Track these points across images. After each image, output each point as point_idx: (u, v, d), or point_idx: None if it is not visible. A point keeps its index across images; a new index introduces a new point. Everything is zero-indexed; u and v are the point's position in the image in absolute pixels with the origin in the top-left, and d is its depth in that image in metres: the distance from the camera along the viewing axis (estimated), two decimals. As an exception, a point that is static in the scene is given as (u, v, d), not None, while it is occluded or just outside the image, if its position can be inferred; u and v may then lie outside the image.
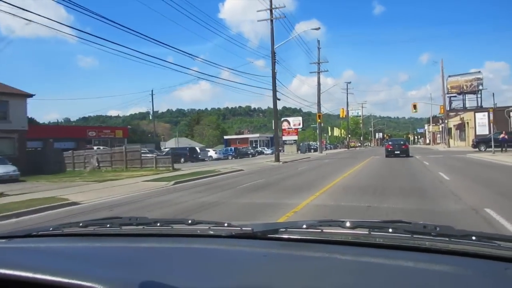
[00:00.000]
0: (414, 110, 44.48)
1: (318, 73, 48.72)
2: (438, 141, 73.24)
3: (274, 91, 30.30)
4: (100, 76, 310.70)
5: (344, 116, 47.65)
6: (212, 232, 1.43)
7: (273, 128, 32.03)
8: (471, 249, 1.06)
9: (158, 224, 1.58)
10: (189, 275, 1.05)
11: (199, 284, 0.99)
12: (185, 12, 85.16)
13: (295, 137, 53.77)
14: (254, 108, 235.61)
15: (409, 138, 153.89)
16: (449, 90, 66.24)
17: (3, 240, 1.54)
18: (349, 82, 54.92)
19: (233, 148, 55.29)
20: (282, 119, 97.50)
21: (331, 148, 76.97)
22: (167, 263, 1.17)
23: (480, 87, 62.44)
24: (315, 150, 64.44)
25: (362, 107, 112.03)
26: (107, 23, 19.45)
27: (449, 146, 44.46)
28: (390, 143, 32.75)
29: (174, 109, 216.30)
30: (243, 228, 1.36)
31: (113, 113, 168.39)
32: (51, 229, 1.68)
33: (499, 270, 0.97)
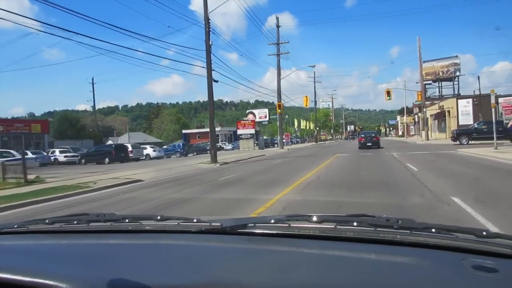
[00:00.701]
0: (388, 98, 38.03)
1: (278, 55, 41.46)
2: (412, 133, 67.60)
3: (209, 68, 22.80)
4: (67, 69, 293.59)
5: (307, 106, 40.44)
6: (181, 228, 1.41)
7: (209, 119, 24.53)
8: (431, 241, 1.09)
9: (127, 221, 1.53)
10: (157, 271, 1.03)
11: (167, 280, 0.98)
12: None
13: (252, 131, 46.23)
14: (227, 102, 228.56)
15: (381, 130, 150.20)
16: (424, 77, 60.51)
17: None
18: (313, 66, 46.03)
19: (181, 144, 47.44)
20: (248, 111, 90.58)
21: (297, 142, 70.08)
22: (136, 260, 1.16)
23: (458, 73, 56.83)
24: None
25: (332, 98, 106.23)
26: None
27: (427, 139, 38.10)
28: (362, 135, 33.98)
29: (144, 103, 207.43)
30: (212, 224, 1.36)
31: (81, 107, 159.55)
32: (15, 226, 1.64)
33: (456, 260, 1.01)
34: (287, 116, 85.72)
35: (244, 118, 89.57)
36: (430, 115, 49.40)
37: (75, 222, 1.59)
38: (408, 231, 1.17)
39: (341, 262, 1.08)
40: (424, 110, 37.44)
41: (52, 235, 1.52)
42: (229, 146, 64.67)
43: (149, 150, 38.34)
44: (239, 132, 46.45)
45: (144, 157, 36.74)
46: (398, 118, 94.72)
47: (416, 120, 55.84)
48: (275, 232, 1.30)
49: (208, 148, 62.09)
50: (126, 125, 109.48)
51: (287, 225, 1.32)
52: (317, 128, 72.68)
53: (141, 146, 37.64)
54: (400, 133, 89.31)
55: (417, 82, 63.82)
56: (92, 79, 54.60)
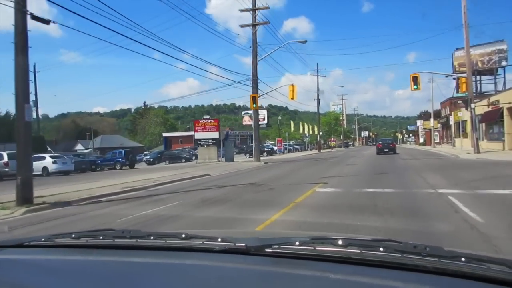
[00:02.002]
0: (415, 87, 24.58)
1: (254, 26, 28.35)
2: (437, 141, 53.44)
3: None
4: (87, 72, 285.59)
5: (294, 98, 27.14)
6: (205, 247, 1.40)
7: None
8: (460, 270, 1.05)
9: (152, 238, 1.53)
10: None
11: None
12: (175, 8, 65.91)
13: (215, 135, 32.53)
14: (239, 106, 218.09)
15: (397, 137, 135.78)
16: (456, 69, 46.72)
17: None
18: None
19: (122, 151, 34.45)
20: (243, 112, 77.33)
21: (294, 150, 56.42)
22: (160, 279, 1.16)
23: (504, 63, 42.78)
24: (269, 153, 44.15)
25: (343, 99, 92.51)
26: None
27: (477, 150, 24.04)
28: (380, 142, 36.48)
29: (156, 106, 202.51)
30: (236, 244, 1.34)
31: (99, 109, 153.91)
32: (43, 239, 1.63)
33: None
34: (294, 120, 72.67)
35: (245, 121, 76.97)
36: (471, 117, 35.53)
37: (101, 238, 1.58)
38: (437, 259, 1.11)
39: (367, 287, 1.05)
40: (474, 106, 23.69)
41: (78, 250, 1.52)
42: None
43: (47, 162, 25.34)
44: (197, 136, 33.08)
45: (40, 173, 23.80)
46: (419, 123, 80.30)
47: (450, 123, 41.64)
48: (300, 254, 1.26)
49: (182, 156, 49.52)
50: (114, 126, 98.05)
51: (312, 248, 1.28)
52: (320, 133, 58.79)
53: (39, 155, 24.70)
54: (421, 140, 74.94)
55: (446, 76, 49.79)
56: (34, 67, 42.17)
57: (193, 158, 53.21)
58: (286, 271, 1.16)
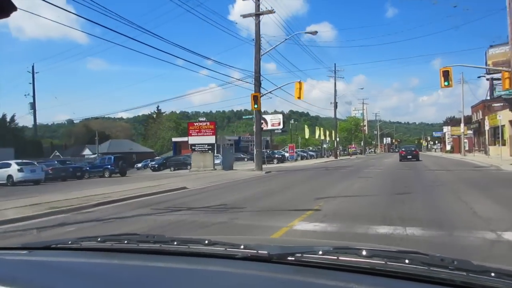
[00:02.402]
0: (446, 83, 20.29)
1: (257, 15, 24.65)
2: (467, 148, 48.22)
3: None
4: (109, 79, 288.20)
5: (300, 98, 23.14)
6: (228, 254, 1.40)
7: None
8: (490, 286, 1.01)
9: (175, 243, 1.55)
10: None
11: None
12: (197, 14, 64.03)
13: (211, 140, 28.62)
14: (265, 111, 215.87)
15: (421, 144, 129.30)
16: (488, 71, 41.72)
17: (24, 252, 1.58)
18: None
19: (112, 157, 31.21)
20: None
21: (309, 157, 52.19)
22: (183, 284, 1.18)
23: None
24: (280, 160, 40.23)
25: (364, 103, 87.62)
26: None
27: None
28: (403, 149, 36.28)
29: (178, 111, 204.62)
30: (259, 251, 1.34)
31: (123, 115, 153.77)
32: (69, 242, 1.69)
33: None
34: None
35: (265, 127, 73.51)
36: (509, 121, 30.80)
37: (126, 242, 1.61)
38: (465, 273, 1.06)
39: None
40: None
41: (103, 253, 1.55)
42: (218, 160, 48.35)
43: (13, 169, 22.01)
44: (191, 140, 29.31)
45: (4, 181, 20.55)
46: (446, 129, 74.71)
47: (485, 128, 36.66)
48: (323, 263, 1.23)
49: (188, 162, 46.20)
50: (128, 131, 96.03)
51: (336, 257, 1.25)
52: (337, 139, 54.28)
53: (4, 162, 21.40)
54: (448, 147, 69.39)
55: (478, 77, 44.84)
56: (33, 68, 39.77)
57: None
58: (308, 280, 1.14)
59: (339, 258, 1.24)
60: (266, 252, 1.32)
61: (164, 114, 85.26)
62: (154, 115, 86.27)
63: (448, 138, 72.35)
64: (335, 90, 50.92)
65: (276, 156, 42.54)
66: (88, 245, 1.63)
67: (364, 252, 1.25)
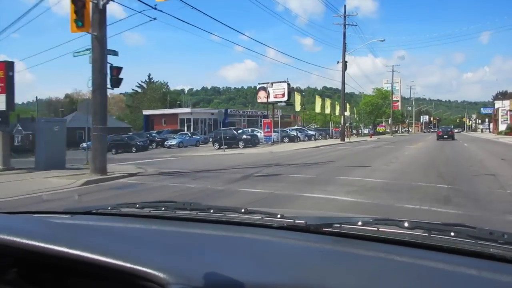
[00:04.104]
0: None
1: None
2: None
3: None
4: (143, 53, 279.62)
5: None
6: (265, 222, 1.38)
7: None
8: None
9: (212, 211, 1.56)
10: (244, 266, 1.02)
11: (255, 277, 0.95)
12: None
13: None
14: (293, 87, 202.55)
15: (465, 122, 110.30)
16: None
17: (67, 216, 1.63)
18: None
19: None
20: (258, 86, 59.46)
21: (297, 139, 36.85)
22: (221, 251, 1.15)
23: None
24: (248, 142, 26.27)
25: (393, 70, 70.63)
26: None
27: None
28: (440, 130, 40.43)
29: (209, 87, 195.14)
30: (296, 221, 1.30)
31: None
32: (109, 208, 1.72)
33: None
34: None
35: (259, 98, 59.24)
36: None
37: (163, 209, 1.63)
38: None
39: (436, 274, 0.93)
40: None
41: (141, 219, 1.55)
42: (174, 141, 34.96)
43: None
44: None
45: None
46: (500, 104, 57.27)
47: None
48: (362, 234, 1.19)
49: (135, 142, 32.88)
50: (122, 104, 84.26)
51: (376, 228, 1.20)
52: (344, 114, 38.48)
53: None
54: (501, 127, 52.35)
55: None
56: None
57: (154, 145, 36.68)
58: (347, 251, 1.11)
59: (379, 229, 1.19)
60: (303, 221, 1.28)
61: (156, 83, 72.53)
62: (145, 85, 73.71)
63: (502, 116, 55.10)
64: (344, 44, 35.53)
65: (244, 137, 28.30)
66: (127, 211, 1.67)
67: (406, 224, 1.17)
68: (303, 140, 36.39)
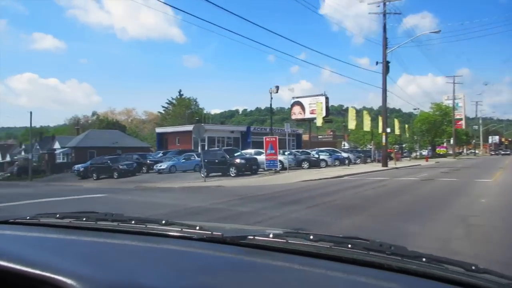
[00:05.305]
0: None
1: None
2: None
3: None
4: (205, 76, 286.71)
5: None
6: (184, 234, 1.42)
7: None
8: (421, 270, 1.09)
9: (133, 222, 1.54)
10: (157, 275, 1.07)
11: (165, 284, 1.01)
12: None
13: None
14: (347, 107, 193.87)
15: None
16: None
17: None
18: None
19: None
20: (292, 101, 51.62)
21: (320, 163, 27.71)
22: (138, 261, 1.19)
23: None
24: (241, 169, 18.17)
25: (454, 82, 58.79)
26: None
27: None
28: None
29: (263, 107, 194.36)
30: (213, 233, 1.37)
31: (214, 111, 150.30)
32: (28, 217, 1.68)
33: None
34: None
35: (294, 114, 51.73)
36: None
37: (84, 219, 1.61)
38: (400, 258, 1.15)
39: (333, 281, 1.08)
40: None
41: (61, 229, 1.54)
42: (164, 165, 27.80)
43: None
44: None
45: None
46: None
47: None
48: (273, 246, 1.28)
49: (119, 166, 26.34)
50: (157, 121, 79.91)
51: (285, 240, 1.31)
52: (385, 132, 28.72)
53: None
54: None
55: None
56: None
57: (145, 169, 29.75)
58: (259, 261, 1.19)
59: (288, 241, 1.29)
60: (220, 233, 1.34)
61: (184, 99, 67.07)
62: (174, 101, 68.56)
63: None
64: (385, 38, 26.60)
65: (237, 161, 20.39)
66: (46, 221, 1.63)
67: (311, 237, 1.28)
68: (330, 165, 27.47)
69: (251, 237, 1.32)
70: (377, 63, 27.54)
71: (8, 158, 62.69)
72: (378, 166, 27.02)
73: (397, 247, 1.21)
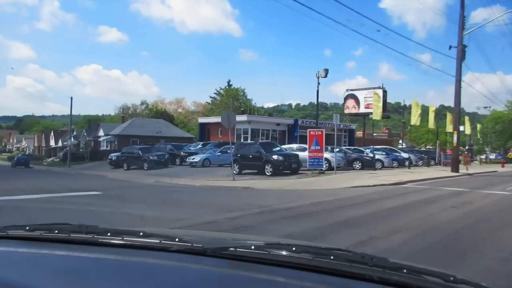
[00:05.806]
0: None
1: None
2: None
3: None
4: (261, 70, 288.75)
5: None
6: (162, 246, 1.36)
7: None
8: (402, 281, 1.10)
9: (109, 234, 1.45)
10: None
11: None
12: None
13: None
14: (404, 105, 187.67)
15: None
16: None
17: None
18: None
19: None
20: (346, 93, 47.53)
21: (375, 163, 23.44)
22: (115, 276, 1.16)
23: None
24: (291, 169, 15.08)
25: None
26: None
27: None
28: None
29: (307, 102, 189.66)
30: (193, 245, 1.33)
31: (269, 104, 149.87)
32: None
33: None
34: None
35: (347, 108, 47.84)
36: None
37: (56, 232, 1.50)
38: (381, 269, 1.15)
39: None
40: None
41: (32, 242, 1.46)
42: (197, 158, 25.16)
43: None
44: None
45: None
46: None
47: None
48: (255, 257, 1.25)
49: (149, 157, 24.26)
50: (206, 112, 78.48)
51: (267, 252, 1.28)
52: (457, 131, 23.88)
53: None
54: None
55: None
56: None
57: (178, 161, 27.34)
58: (241, 274, 1.17)
59: (270, 253, 1.26)
60: (200, 245, 1.30)
61: (232, 89, 64.67)
62: (222, 91, 66.42)
63: None
64: (462, 16, 21.86)
65: (273, 158, 17.08)
66: (16, 233, 1.51)
67: (294, 248, 1.26)
68: (387, 167, 23.31)
69: (233, 248, 1.28)
70: (450, 47, 22.79)
71: (60, 144, 64.33)
72: (445, 171, 22.47)
73: (379, 258, 1.20)
